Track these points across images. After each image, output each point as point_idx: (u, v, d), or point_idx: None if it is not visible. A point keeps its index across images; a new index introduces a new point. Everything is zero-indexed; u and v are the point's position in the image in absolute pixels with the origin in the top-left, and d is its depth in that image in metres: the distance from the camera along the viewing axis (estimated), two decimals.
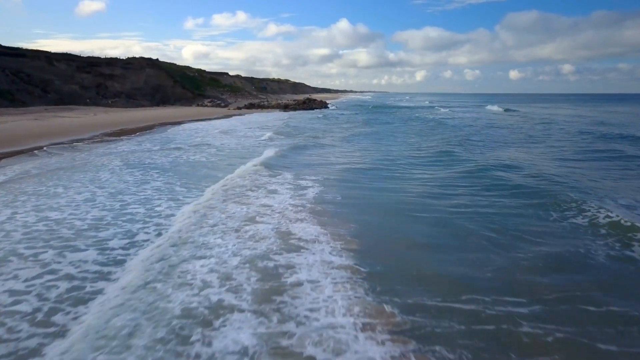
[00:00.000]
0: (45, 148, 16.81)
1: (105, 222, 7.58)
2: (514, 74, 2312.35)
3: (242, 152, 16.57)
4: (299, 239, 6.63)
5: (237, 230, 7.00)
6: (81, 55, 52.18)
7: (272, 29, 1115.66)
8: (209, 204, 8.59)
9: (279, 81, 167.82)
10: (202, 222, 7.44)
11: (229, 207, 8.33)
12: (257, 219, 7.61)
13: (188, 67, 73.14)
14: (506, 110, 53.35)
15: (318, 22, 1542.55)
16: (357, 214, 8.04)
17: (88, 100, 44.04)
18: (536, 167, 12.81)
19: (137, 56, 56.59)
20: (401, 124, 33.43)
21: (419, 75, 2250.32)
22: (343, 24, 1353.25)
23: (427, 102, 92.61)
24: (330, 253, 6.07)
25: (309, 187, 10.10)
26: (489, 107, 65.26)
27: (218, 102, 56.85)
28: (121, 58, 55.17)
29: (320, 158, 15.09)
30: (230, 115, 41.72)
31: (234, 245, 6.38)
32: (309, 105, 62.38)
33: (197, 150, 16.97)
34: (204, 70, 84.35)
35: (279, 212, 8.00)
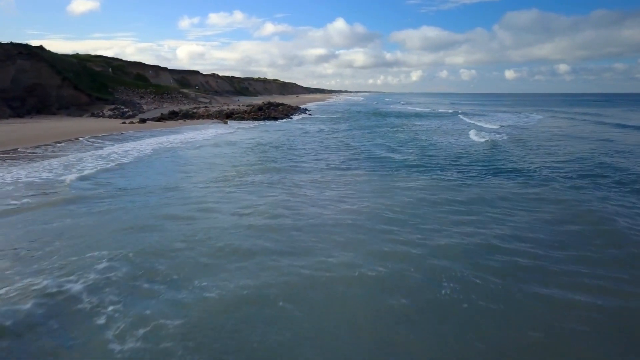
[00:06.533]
0: None
1: None
2: (509, 74, 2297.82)
3: None
4: None
5: None
6: None
7: (269, 28, 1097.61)
8: None
9: (264, 81, 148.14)
10: None
11: None
12: None
13: (96, 57, 53.32)
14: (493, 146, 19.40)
15: (315, 22, 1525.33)
16: None
17: None
18: None
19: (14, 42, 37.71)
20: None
21: (415, 76, 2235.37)
22: (340, 24, 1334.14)
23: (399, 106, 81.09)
24: None
25: None
26: (461, 116, 45.12)
27: (125, 109, 38.07)
28: None
29: None
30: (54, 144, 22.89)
31: None
32: (266, 113, 42.97)
33: None
34: (139, 63, 65.59)
35: None
